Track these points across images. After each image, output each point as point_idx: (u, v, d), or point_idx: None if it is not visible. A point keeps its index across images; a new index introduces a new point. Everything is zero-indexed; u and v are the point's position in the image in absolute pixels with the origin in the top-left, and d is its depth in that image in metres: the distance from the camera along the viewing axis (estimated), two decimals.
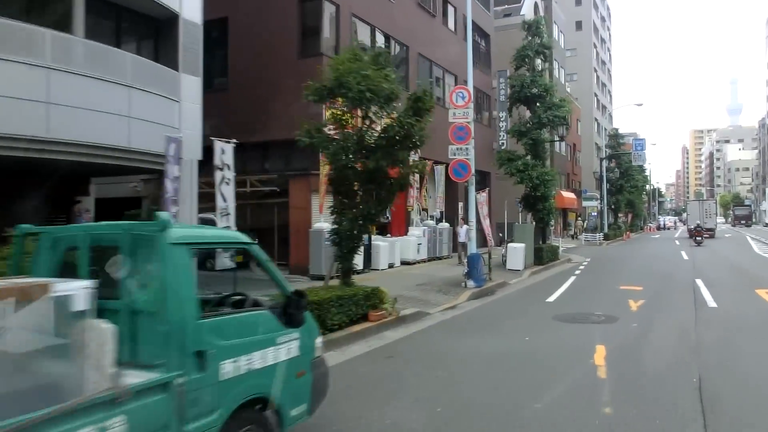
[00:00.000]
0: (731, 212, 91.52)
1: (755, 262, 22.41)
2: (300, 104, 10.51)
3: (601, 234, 38.33)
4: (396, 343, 8.39)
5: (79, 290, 3.00)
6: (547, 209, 20.57)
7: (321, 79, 8.63)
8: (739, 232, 57.34)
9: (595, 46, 68.01)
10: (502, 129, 28.94)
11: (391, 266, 17.61)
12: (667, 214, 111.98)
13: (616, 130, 49.79)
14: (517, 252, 17.95)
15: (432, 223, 20.85)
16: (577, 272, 18.44)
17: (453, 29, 25.27)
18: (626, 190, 47.12)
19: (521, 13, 35.84)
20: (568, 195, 44.25)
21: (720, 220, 79.80)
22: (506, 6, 38.39)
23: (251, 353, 3.64)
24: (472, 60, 27.46)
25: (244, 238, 4.03)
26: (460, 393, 5.84)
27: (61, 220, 12.26)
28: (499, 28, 33.05)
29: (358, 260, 15.95)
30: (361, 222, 8.91)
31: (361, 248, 15.28)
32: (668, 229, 72.25)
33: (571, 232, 43.62)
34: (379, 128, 8.71)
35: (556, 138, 24.67)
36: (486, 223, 15.96)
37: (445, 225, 21.23)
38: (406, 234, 19.64)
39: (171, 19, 11.79)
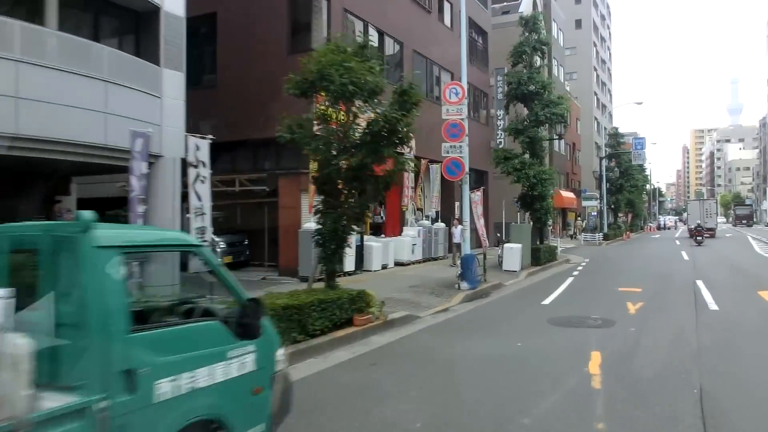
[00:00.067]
0: (732, 212, 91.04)
1: (757, 262, 21.99)
2: (290, 101, 10.11)
3: (601, 234, 37.90)
4: (381, 349, 7.98)
5: None
6: (544, 209, 20.15)
7: (303, 73, 8.22)
8: (740, 231, 56.90)
9: (595, 45, 67.59)
10: (499, 127, 28.55)
11: (384, 267, 17.19)
12: (667, 213, 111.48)
13: (616, 129, 49.33)
14: (513, 252, 17.52)
15: (427, 223, 20.43)
16: (575, 273, 18.03)
17: (449, 26, 24.84)
18: (626, 190, 46.66)
19: (520, 10, 35.41)
20: (568, 195, 43.83)
21: (721, 219, 79.32)
22: (504, 3, 38.00)
23: (195, 370, 3.23)
24: (469, 57, 27.19)
25: (190, 239, 3.61)
26: (442, 406, 5.43)
27: (41, 220, 11.88)
28: (498, 25, 32.61)
29: (350, 261, 15.57)
30: (345, 222, 8.49)
31: (347, 249, 15.04)
32: (668, 228, 71.80)
33: (571, 232, 43.20)
34: (363, 123, 8.29)
35: (555, 136, 24.23)
36: (480, 223, 15.55)
37: (440, 225, 20.81)
38: (400, 234, 19.22)
39: (152, 12, 11.37)
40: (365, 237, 16.93)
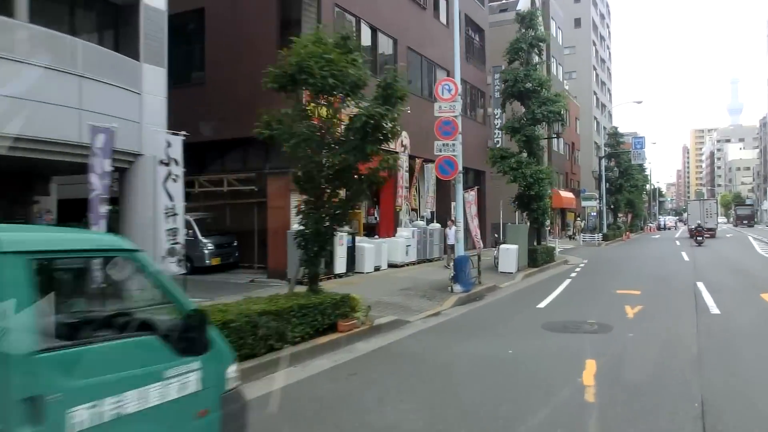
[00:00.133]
0: (733, 212, 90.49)
1: (758, 263, 21.56)
2: (280, 97, 9.68)
3: (600, 234, 37.46)
4: (365, 357, 7.56)
5: None
6: (542, 209, 19.71)
7: (283, 66, 7.81)
8: (740, 232, 56.45)
9: (594, 44, 67.18)
10: (497, 126, 28.13)
11: (377, 269, 16.76)
12: (667, 213, 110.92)
13: (616, 128, 48.82)
14: (509, 254, 17.10)
15: (422, 223, 20.00)
16: (573, 275, 17.60)
17: (445, 23, 24.41)
18: (626, 190, 46.18)
19: (518, 8, 34.98)
20: (567, 195, 43.42)
21: (722, 220, 78.77)
22: (502, 1, 37.58)
23: (122, 393, 2.80)
24: (466, 55, 26.82)
25: (121, 243, 3.17)
26: (422, 423, 5.01)
27: (20, 221, 11.47)
28: (495, 23, 32.20)
29: (341, 263, 15.17)
30: (328, 223, 8.07)
31: (338, 251, 14.69)
32: (668, 229, 71.28)
33: (570, 233, 42.76)
34: (347, 119, 7.87)
35: (552, 135, 23.80)
36: (474, 224, 15.11)
37: (436, 226, 20.38)
38: (394, 235, 18.78)
39: (131, 5, 10.97)
40: (357, 238, 16.53)
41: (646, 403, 5.31)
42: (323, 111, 7.83)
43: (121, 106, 10.35)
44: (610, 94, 78.50)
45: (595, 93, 64.59)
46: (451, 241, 15.45)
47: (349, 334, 8.35)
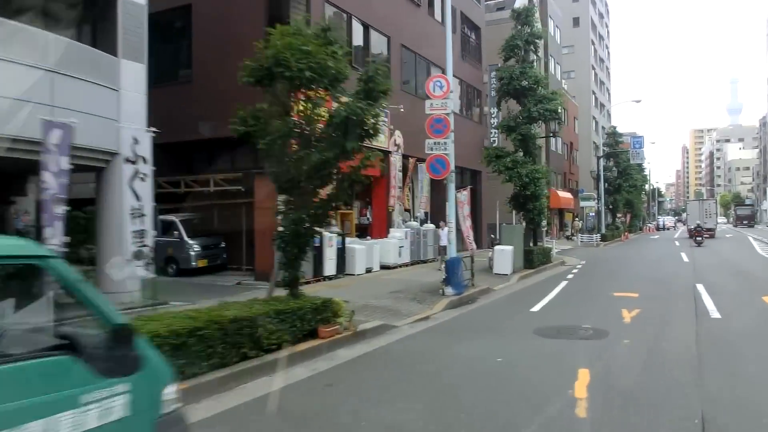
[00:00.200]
0: (733, 212, 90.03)
1: (759, 264, 21.18)
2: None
3: (599, 235, 37.06)
4: (346, 366, 7.15)
5: None
6: (538, 209, 19.29)
7: (259, 59, 7.41)
8: (740, 232, 56.06)
9: (593, 44, 66.83)
10: (493, 125, 27.74)
11: (368, 271, 16.36)
12: (667, 214, 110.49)
13: (614, 127, 48.42)
14: (504, 255, 16.70)
15: (415, 224, 19.60)
16: (570, 276, 17.21)
17: (440, 20, 24.00)
18: (624, 190, 45.79)
19: (515, 6, 34.61)
20: (565, 195, 43.03)
21: (722, 220, 78.31)
22: None
23: (24, 425, 2.40)
24: (462, 53, 26.44)
25: (29, 248, 2.76)
26: None
27: None
28: (492, 22, 31.83)
29: (330, 265, 14.77)
30: (307, 224, 7.67)
31: (328, 252, 14.28)
32: (668, 229, 70.85)
33: (568, 233, 42.36)
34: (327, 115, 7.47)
35: (549, 134, 23.40)
36: (466, 225, 14.70)
37: (430, 226, 19.97)
38: (387, 236, 18.37)
39: None
40: (348, 239, 16.14)
41: (642, 420, 4.90)
42: (302, 106, 7.43)
43: (97, 103, 9.96)
44: (609, 94, 78.17)
45: (593, 93, 64.22)
46: (443, 242, 15.04)
47: (331, 340, 7.94)
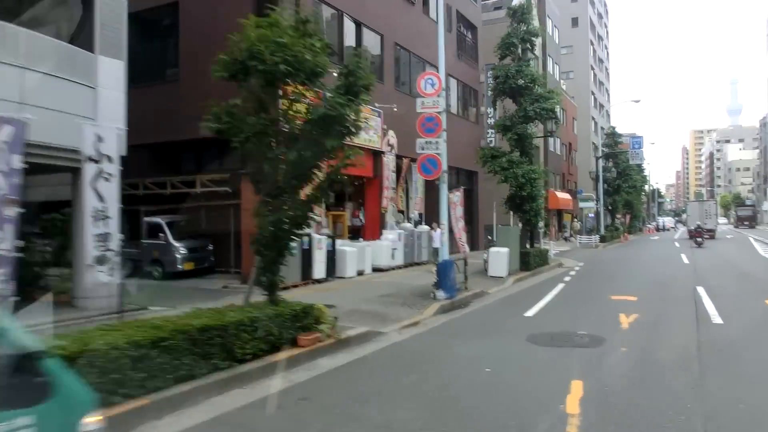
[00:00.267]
0: (733, 213, 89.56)
1: (761, 266, 20.78)
2: None
3: (598, 236, 36.65)
4: (325, 376, 6.73)
5: None
6: (534, 210, 18.88)
7: (233, 52, 7.01)
8: (740, 233, 55.66)
9: (592, 44, 66.49)
10: (490, 125, 27.34)
11: (360, 273, 15.95)
12: (667, 215, 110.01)
13: (614, 128, 48.01)
14: (500, 257, 16.29)
15: (410, 225, 19.19)
16: (567, 279, 16.79)
17: (436, 19, 23.59)
18: (624, 191, 45.39)
19: (512, 3, 34.23)
20: (563, 196, 42.63)
21: (722, 220, 77.87)
22: None
23: None
24: (458, 53, 26.05)
25: None
26: None
27: None
28: (489, 21, 31.43)
29: (320, 268, 14.36)
30: (286, 226, 7.26)
31: (317, 255, 13.84)
32: (667, 230, 70.43)
33: (566, 234, 41.95)
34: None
35: (547, 134, 22.99)
36: (459, 226, 14.28)
37: (424, 228, 19.56)
38: (380, 238, 17.96)
39: None
40: (339, 241, 15.74)
41: None
42: (283, 103, 7.02)
43: (72, 100, 9.55)
44: (609, 94, 77.83)
45: (593, 93, 63.87)
46: (436, 244, 14.64)
47: (312, 349, 7.53)
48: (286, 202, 7.20)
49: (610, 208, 43.62)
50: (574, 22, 62.88)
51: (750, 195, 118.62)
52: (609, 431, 4.73)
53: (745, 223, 73.94)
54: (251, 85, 6.90)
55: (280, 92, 6.96)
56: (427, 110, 12.51)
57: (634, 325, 9.30)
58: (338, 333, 8.17)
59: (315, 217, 7.60)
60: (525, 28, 19.56)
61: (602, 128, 59.13)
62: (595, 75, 66.48)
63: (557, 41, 47.83)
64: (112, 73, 10.49)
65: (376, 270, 16.70)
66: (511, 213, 20.07)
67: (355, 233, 18.80)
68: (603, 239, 36.65)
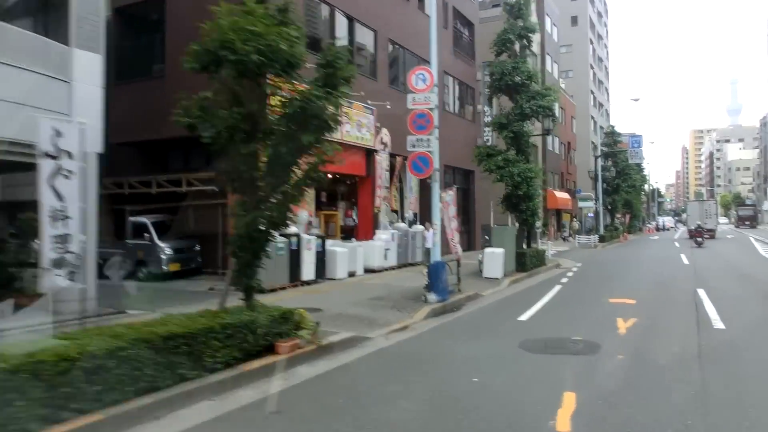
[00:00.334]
0: (734, 213, 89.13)
1: (762, 267, 20.36)
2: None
3: (597, 236, 36.24)
4: (302, 386, 6.31)
5: None
6: (531, 210, 18.45)
7: (205, 42, 6.60)
8: (741, 233, 55.25)
9: (592, 42, 66.10)
10: (487, 123, 26.92)
11: (351, 275, 15.54)
12: (667, 214, 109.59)
13: (613, 127, 47.58)
14: (495, 258, 15.87)
15: (403, 225, 18.78)
16: (564, 280, 16.38)
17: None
18: (623, 190, 44.97)
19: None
20: (562, 195, 42.25)
21: (723, 220, 77.44)
22: None
23: None
24: (454, 50, 25.63)
25: None
26: None
27: None
28: (486, 19, 31.03)
29: (309, 269, 13.96)
30: (263, 227, 6.85)
31: (306, 255, 13.38)
32: (667, 230, 70.03)
33: (565, 234, 41.54)
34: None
35: (544, 132, 22.56)
36: (452, 227, 13.86)
37: (419, 228, 19.15)
38: (373, 238, 17.55)
39: None
40: (330, 242, 15.33)
41: None
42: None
43: (43, 95, 9.12)
44: (608, 94, 77.45)
45: (592, 92, 63.47)
46: (428, 244, 14.22)
47: (290, 356, 7.11)
48: (262, 201, 6.78)
49: (609, 207, 43.22)
50: (574, 20, 62.48)
51: (750, 195, 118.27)
52: None
53: (746, 222, 73.56)
54: (223, 77, 6.48)
55: (256, 84, 6.53)
56: (418, 106, 12.11)
57: (632, 331, 8.89)
58: (320, 339, 7.76)
59: (293, 217, 7.15)
60: (522, 24, 19.12)
61: (601, 127, 58.73)
62: (594, 74, 66.09)
63: (556, 40, 47.44)
64: (88, 67, 10.04)
65: (368, 271, 16.30)
66: (506, 213, 19.66)
67: (348, 233, 18.40)
68: (602, 239, 36.25)
